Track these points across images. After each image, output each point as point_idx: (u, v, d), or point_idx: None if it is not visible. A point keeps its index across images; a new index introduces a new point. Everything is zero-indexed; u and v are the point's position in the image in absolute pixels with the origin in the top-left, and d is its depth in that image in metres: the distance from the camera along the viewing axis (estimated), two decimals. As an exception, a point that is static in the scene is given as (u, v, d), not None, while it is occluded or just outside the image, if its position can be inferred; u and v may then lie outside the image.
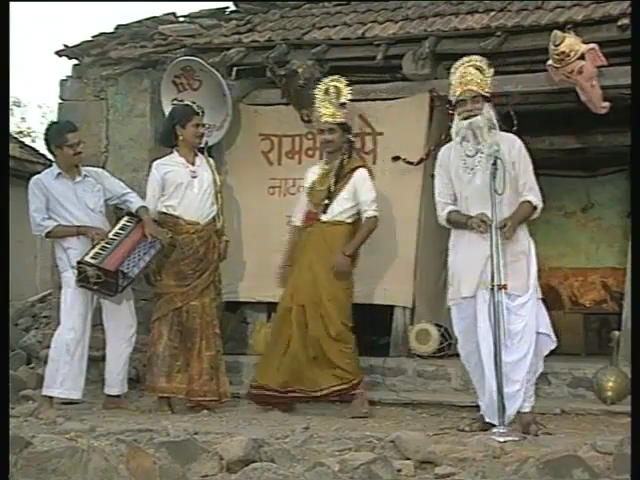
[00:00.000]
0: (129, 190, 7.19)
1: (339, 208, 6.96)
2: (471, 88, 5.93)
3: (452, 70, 6.13)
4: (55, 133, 7.09)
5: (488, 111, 5.94)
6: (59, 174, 7.02)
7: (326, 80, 7.23)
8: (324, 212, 6.95)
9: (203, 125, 7.25)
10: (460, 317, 6.03)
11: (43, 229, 6.96)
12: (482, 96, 5.95)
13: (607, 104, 7.10)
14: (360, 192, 6.94)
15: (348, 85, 7.17)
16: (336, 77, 7.24)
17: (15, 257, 8.24)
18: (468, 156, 5.94)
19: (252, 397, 7.09)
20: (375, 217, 6.97)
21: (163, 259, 7.05)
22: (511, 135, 6.09)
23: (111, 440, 5.03)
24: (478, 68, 6.03)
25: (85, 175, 7.10)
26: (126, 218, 7.06)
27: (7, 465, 4.45)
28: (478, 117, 5.89)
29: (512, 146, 5.98)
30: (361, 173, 6.99)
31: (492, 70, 6.13)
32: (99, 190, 7.10)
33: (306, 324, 6.90)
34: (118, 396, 7.16)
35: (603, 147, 9.47)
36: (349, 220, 7.01)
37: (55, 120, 7.67)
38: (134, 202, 7.10)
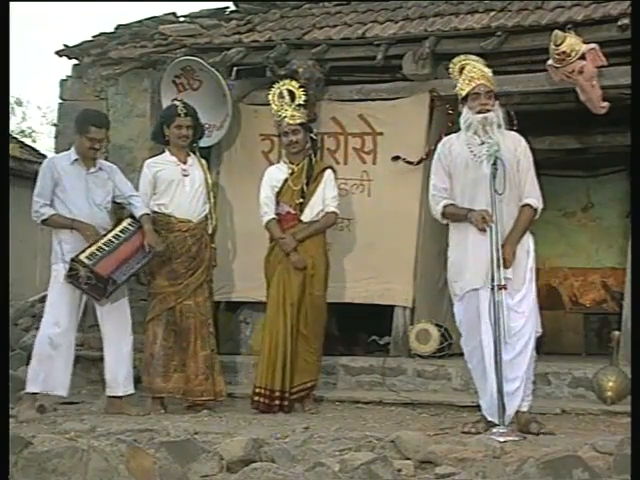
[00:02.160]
0: (136, 193, 7.05)
1: (317, 208, 7.09)
2: (485, 83, 5.95)
3: (451, 66, 6.13)
4: (81, 120, 6.95)
5: (498, 109, 5.97)
6: (76, 160, 6.85)
7: (278, 84, 7.28)
8: (301, 212, 7.05)
9: (188, 127, 7.15)
10: (464, 311, 5.96)
11: (40, 216, 6.77)
12: (493, 93, 5.98)
13: (606, 104, 7.10)
14: (326, 190, 7.12)
15: (301, 87, 7.24)
16: (287, 81, 7.31)
17: (15, 257, 8.24)
18: (476, 145, 5.90)
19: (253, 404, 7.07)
20: (335, 213, 7.16)
21: (156, 258, 7.00)
22: (516, 134, 6.11)
23: (111, 440, 5.02)
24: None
25: (100, 168, 6.95)
26: (128, 221, 6.92)
27: (7, 465, 4.46)
28: (492, 113, 5.91)
29: (518, 144, 6.01)
30: (329, 174, 7.18)
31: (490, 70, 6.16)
32: (109, 186, 6.94)
33: (292, 323, 6.94)
34: (120, 397, 7.07)
35: (603, 147, 9.47)
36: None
37: (90, 108, 7.49)
38: (138, 207, 6.96)
